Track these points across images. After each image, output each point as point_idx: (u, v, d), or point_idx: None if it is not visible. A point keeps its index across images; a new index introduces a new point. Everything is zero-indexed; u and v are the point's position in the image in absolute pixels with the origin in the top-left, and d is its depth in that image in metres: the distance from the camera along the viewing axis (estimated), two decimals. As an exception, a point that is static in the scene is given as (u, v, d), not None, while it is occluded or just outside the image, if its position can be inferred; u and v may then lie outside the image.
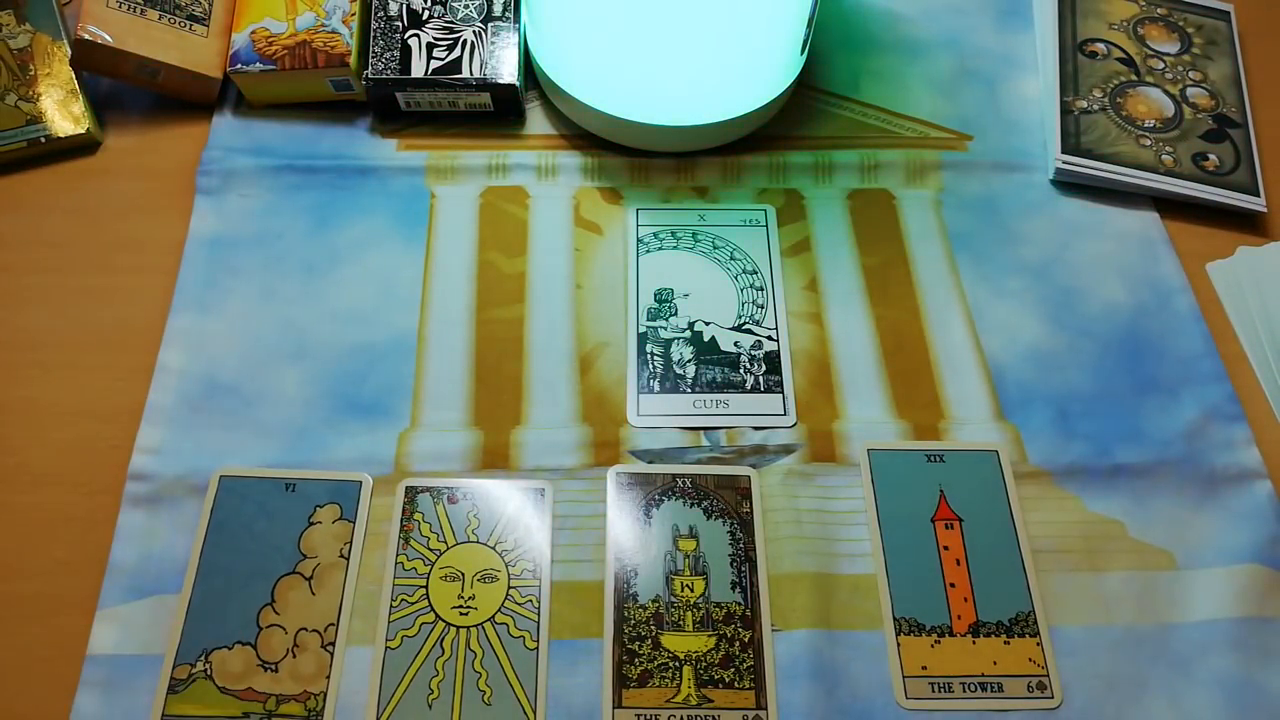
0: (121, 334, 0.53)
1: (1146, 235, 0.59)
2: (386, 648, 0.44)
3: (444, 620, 0.45)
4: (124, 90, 0.61)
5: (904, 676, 0.44)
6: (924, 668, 0.44)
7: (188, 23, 0.59)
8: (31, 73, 0.59)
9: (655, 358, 0.53)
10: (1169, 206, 0.60)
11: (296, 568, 0.46)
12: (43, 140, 0.58)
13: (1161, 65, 0.65)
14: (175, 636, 0.44)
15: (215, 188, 0.58)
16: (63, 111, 0.58)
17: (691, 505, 0.48)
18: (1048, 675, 0.44)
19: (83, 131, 0.58)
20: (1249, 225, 0.60)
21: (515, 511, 0.48)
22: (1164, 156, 0.60)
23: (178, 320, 0.53)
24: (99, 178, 0.59)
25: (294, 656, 0.44)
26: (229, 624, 0.45)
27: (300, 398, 0.51)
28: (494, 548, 0.47)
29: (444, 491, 0.48)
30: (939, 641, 0.45)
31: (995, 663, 0.45)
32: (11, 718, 0.42)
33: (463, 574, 0.46)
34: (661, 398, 0.52)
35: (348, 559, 0.46)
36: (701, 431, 0.51)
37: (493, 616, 0.45)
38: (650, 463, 0.50)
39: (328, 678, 0.44)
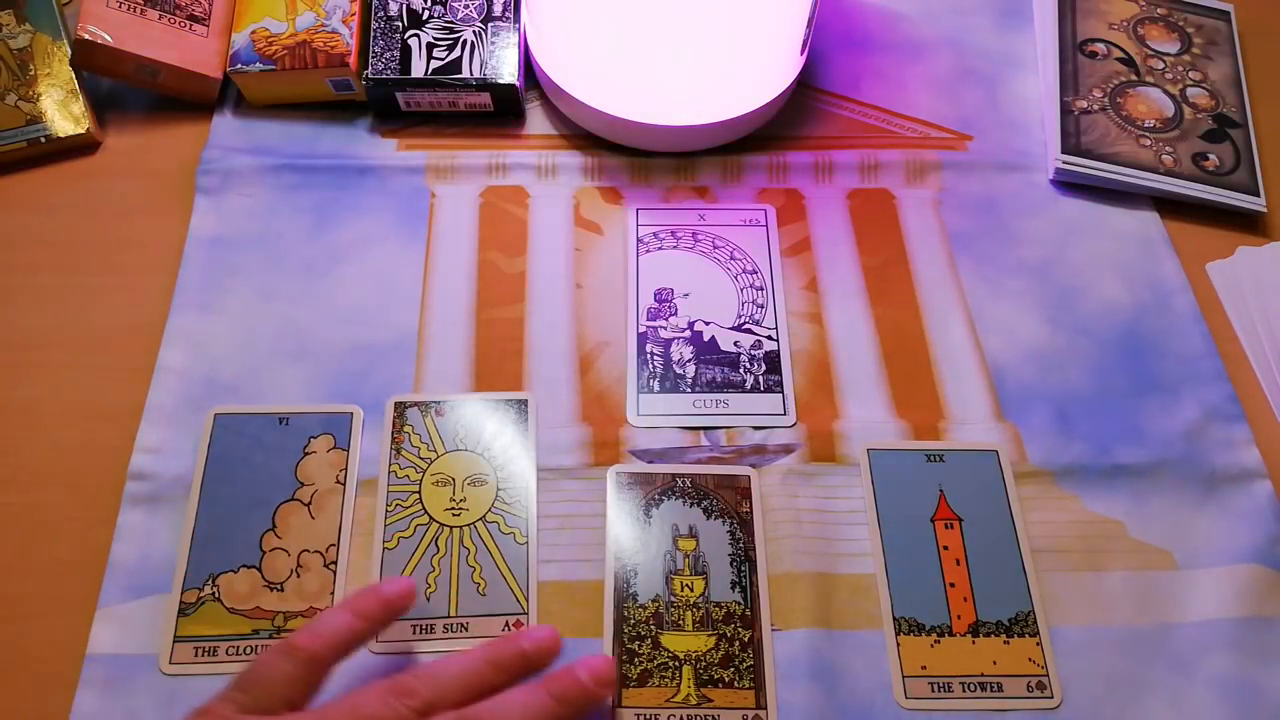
0: (121, 334, 0.53)
1: (1146, 235, 0.59)
2: (384, 549, 0.46)
3: (437, 521, 0.47)
4: (124, 90, 0.61)
5: (904, 676, 0.44)
6: (924, 667, 0.44)
7: (188, 23, 0.59)
8: (31, 73, 0.59)
9: (655, 357, 0.53)
10: (1169, 206, 0.60)
11: (295, 494, 0.48)
12: (43, 140, 0.58)
13: (1161, 65, 0.65)
14: (181, 565, 0.46)
15: (215, 187, 0.58)
16: (63, 111, 0.58)
17: (691, 505, 0.48)
18: (1047, 675, 0.44)
19: (83, 131, 0.58)
20: (1249, 225, 0.60)
21: (499, 423, 0.50)
22: (1164, 156, 0.60)
23: (178, 320, 0.53)
24: (99, 178, 0.59)
25: (298, 576, 0.46)
26: (233, 549, 0.46)
27: (300, 397, 0.51)
28: (482, 454, 0.49)
29: (431, 405, 0.50)
30: (939, 641, 0.45)
31: (995, 663, 0.45)
32: (11, 718, 0.42)
33: (453, 479, 0.48)
34: (661, 397, 0.52)
35: (344, 484, 0.48)
36: (701, 431, 0.51)
37: (483, 516, 0.47)
38: (650, 462, 0.50)
39: (332, 594, 0.46)
